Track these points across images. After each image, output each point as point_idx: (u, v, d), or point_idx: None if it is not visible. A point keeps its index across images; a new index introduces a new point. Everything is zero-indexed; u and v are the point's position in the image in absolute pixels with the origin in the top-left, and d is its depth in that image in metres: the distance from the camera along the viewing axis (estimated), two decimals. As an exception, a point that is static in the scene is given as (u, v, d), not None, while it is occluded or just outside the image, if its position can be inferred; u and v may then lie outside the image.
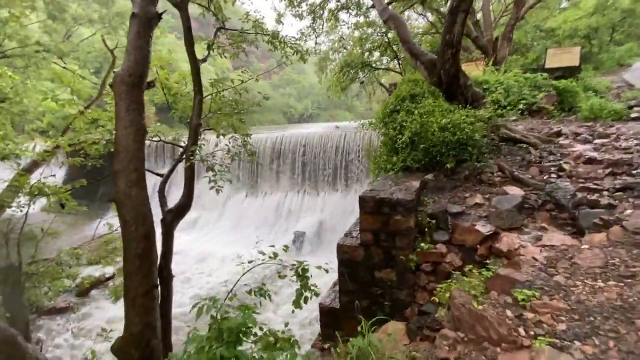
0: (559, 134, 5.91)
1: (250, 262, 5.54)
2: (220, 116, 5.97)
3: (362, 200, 3.96)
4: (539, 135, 5.80)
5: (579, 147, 5.07)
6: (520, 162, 4.92)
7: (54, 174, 9.14)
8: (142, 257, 4.37)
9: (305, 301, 4.85)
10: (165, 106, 6.99)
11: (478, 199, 4.20)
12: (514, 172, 4.53)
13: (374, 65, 18.79)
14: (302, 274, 5.16)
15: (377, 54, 18.37)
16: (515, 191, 4.14)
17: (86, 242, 10.66)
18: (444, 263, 3.59)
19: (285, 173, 14.82)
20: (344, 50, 19.82)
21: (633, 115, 6.11)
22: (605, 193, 3.64)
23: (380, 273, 4.01)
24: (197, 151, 5.26)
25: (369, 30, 17.37)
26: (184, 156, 5.63)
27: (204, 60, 5.45)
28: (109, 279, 10.13)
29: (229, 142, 5.90)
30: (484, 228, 3.57)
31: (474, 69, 11.18)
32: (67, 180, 19.37)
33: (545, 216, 3.73)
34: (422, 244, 3.70)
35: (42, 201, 8.24)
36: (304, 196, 13.84)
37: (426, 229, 3.86)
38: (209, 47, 5.41)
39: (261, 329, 5.27)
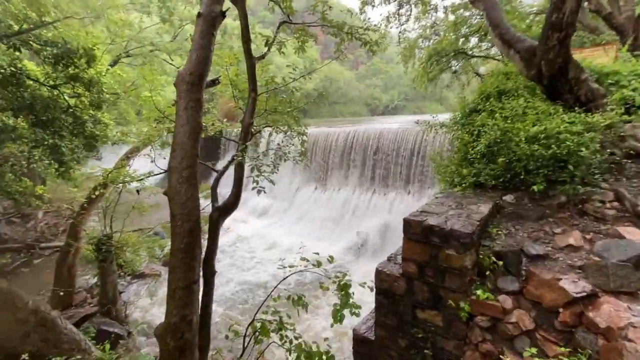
0: None
1: (291, 266, 5.35)
2: (277, 114, 5.84)
3: (407, 224, 3.29)
4: (693, 152, 4.06)
5: None
6: (654, 191, 3.48)
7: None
8: (185, 252, 4.50)
9: (342, 319, 4.44)
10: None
11: (574, 238, 3.09)
12: (638, 206, 3.21)
13: (469, 52, 16.54)
14: (343, 289, 4.74)
15: (474, 40, 16.10)
16: (637, 235, 2.91)
17: None
18: (507, 323, 2.72)
19: (355, 169, 14.33)
20: (436, 38, 17.92)
21: None
22: None
23: (423, 313, 3.32)
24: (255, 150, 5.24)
25: (466, 14, 15.26)
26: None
27: (262, 57, 5.32)
28: None
29: (282, 141, 5.74)
30: (573, 286, 2.56)
31: (600, 56, 8.71)
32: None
33: (685, 282, 2.49)
34: (479, 291, 2.88)
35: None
36: (372, 195, 13.16)
37: (488, 272, 3.00)
38: (267, 44, 5.25)
39: (296, 338, 5.06)
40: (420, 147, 12.29)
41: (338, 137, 14.84)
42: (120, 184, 8.55)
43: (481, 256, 3.07)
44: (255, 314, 5.27)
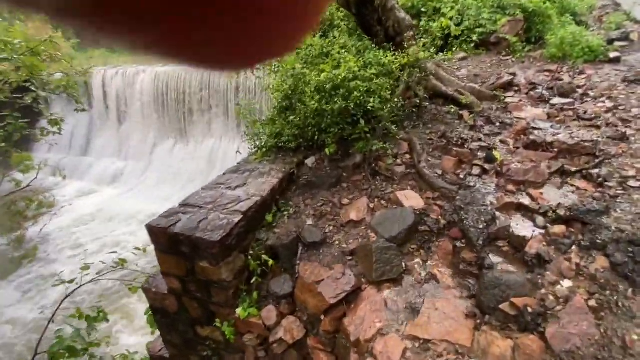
0: (510, 84, 4.21)
1: (71, 281, 4.06)
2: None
3: (150, 232, 2.34)
4: (481, 87, 4.08)
5: (527, 112, 3.46)
6: (440, 138, 3.31)
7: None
8: None
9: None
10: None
11: (357, 210, 2.68)
12: (421, 162, 2.96)
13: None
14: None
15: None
16: (413, 200, 2.62)
17: None
18: (274, 343, 2.21)
19: (218, 117, 12.59)
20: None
21: (612, 54, 4.41)
22: (539, 219, 2.19)
23: (203, 330, 2.64)
24: None
25: None
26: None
27: None
28: None
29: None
30: (332, 289, 2.12)
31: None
32: None
33: (444, 252, 2.30)
34: (239, 309, 2.25)
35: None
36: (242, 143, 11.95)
37: (255, 278, 2.38)
38: None
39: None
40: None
41: (190, 78, 12.46)
42: None
43: (250, 257, 2.41)
44: (41, 337, 3.99)
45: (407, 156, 3.20)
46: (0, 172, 12.69)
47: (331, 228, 2.61)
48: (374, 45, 3.87)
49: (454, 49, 5.75)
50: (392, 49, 3.69)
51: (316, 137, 3.12)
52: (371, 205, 2.73)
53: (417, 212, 2.50)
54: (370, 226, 2.53)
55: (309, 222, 2.63)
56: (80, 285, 3.96)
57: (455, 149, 3.07)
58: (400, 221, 2.43)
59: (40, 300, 8.35)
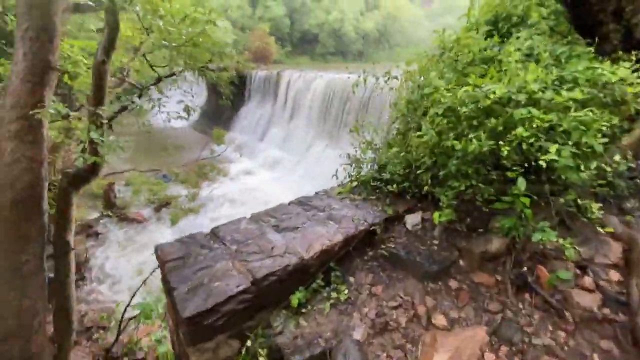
0: None
1: None
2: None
3: (156, 252, 1.82)
4: None
5: None
6: None
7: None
8: (7, 229, 3.67)
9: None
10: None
11: (455, 353, 1.36)
12: None
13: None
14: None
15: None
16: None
17: (191, 161, 11.33)
18: None
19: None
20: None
21: None
22: None
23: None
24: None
25: None
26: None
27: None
28: (165, 205, 10.98)
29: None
30: None
31: None
32: (207, 100, 22.33)
33: None
34: None
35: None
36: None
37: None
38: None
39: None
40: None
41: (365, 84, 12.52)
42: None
43: (246, 352, 1.52)
44: (131, 298, 4.47)
45: (614, 275, 1.53)
46: (203, 141, 16.28)
47: (390, 362, 1.42)
48: (593, 54, 2.19)
49: None
50: (634, 61, 1.95)
51: (428, 186, 1.91)
52: (489, 355, 1.35)
53: None
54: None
55: (357, 333, 1.51)
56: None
57: None
58: None
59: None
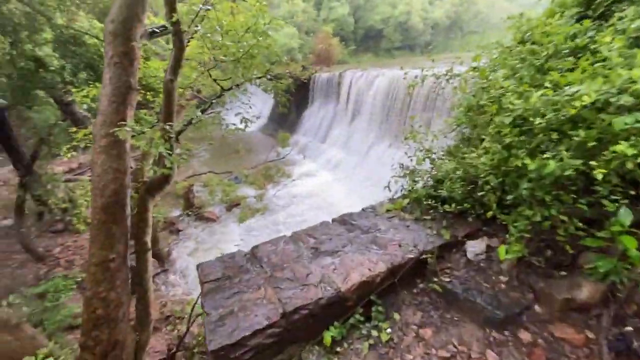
0: None
1: None
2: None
3: (198, 269, 1.85)
4: None
5: None
6: None
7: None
8: (98, 229, 4.23)
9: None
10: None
11: None
12: None
13: None
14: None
15: None
16: None
17: (259, 164, 12.19)
18: None
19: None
20: None
21: None
22: None
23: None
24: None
25: None
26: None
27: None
28: (235, 205, 11.74)
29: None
30: None
31: None
32: (274, 107, 23.51)
33: None
34: None
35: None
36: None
37: None
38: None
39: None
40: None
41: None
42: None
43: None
44: (199, 297, 4.77)
45: None
46: (270, 144, 17.03)
47: None
48: None
49: None
50: None
51: (494, 210, 1.59)
52: None
53: None
54: None
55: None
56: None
57: None
58: None
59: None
